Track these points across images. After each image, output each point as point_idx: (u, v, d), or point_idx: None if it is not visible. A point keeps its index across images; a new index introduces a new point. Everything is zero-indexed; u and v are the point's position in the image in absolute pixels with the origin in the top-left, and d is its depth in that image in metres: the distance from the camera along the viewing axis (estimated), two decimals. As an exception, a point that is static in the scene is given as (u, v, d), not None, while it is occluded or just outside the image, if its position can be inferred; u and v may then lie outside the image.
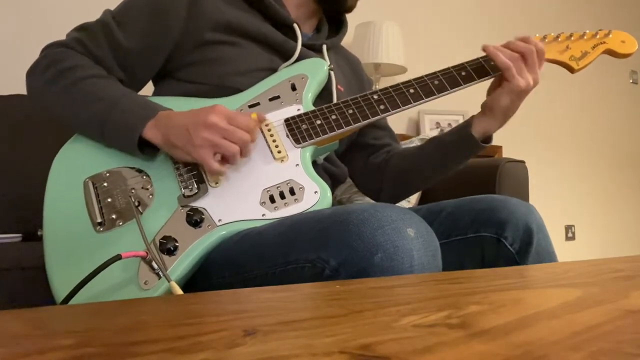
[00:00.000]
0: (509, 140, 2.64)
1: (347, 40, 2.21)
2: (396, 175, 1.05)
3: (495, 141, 2.74)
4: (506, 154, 2.25)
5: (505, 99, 0.90)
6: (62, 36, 0.91)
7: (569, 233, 3.21)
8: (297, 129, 0.85)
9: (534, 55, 0.88)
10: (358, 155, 1.09)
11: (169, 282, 0.69)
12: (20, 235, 1.22)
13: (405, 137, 2.13)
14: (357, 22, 2.22)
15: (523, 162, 1.53)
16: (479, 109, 0.96)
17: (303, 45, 0.94)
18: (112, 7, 0.92)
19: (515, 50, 0.88)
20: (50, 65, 0.85)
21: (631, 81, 3.72)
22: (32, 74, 0.88)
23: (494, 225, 0.86)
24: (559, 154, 3.19)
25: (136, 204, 0.78)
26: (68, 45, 0.88)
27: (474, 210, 0.88)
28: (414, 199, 1.64)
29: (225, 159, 0.78)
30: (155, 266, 0.72)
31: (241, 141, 0.77)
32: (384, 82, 2.22)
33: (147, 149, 0.81)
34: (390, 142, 1.11)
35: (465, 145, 0.96)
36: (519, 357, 0.23)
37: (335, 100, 0.95)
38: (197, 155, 0.77)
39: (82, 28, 0.89)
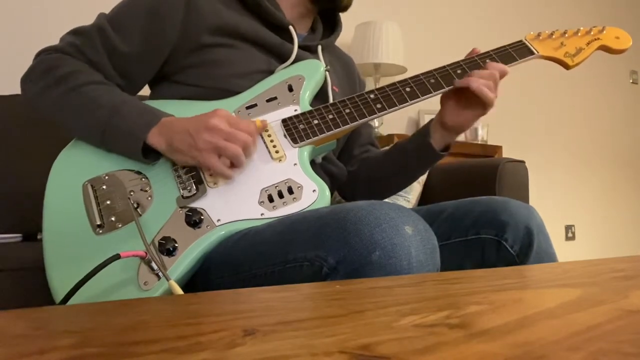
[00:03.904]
0: (509, 140, 2.64)
1: (347, 41, 2.21)
2: (366, 184, 1.07)
3: (495, 141, 2.74)
4: (506, 154, 2.25)
5: (473, 121, 0.94)
6: (60, 37, 0.91)
7: (569, 233, 3.21)
8: (294, 129, 0.85)
9: (498, 80, 0.90)
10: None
11: (168, 281, 0.69)
12: (20, 235, 1.22)
13: (405, 137, 2.13)
14: (357, 22, 2.22)
15: (523, 162, 1.53)
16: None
17: (299, 46, 0.95)
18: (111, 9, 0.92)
19: (492, 78, 0.88)
20: (47, 71, 0.85)
21: (631, 81, 3.72)
22: (28, 80, 0.87)
23: (494, 227, 0.86)
24: (559, 154, 3.20)
25: (135, 206, 0.78)
26: (64, 51, 0.87)
27: (475, 212, 0.88)
28: (414, 199, 1.64)
29: (232, 164, 0.79)
30: (155, 267, 0.72)
31: (242, 143, 0.78)
32: (384, 82, 2.20)
33: (150, 154, 0.81)
34: (367, 149, 1.12)
35: (426, 155, 0.99)
36: (519, 357, 0.23)
37: (331, 100, 0.95)
38: (202, 159, 0.77)
39: (78, 32, 0.89)
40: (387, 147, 1.09)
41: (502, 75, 0.90)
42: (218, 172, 0.78)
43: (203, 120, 0.77)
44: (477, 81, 0.87)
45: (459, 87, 0.90)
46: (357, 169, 1.08)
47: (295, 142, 0.84)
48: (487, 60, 0.91)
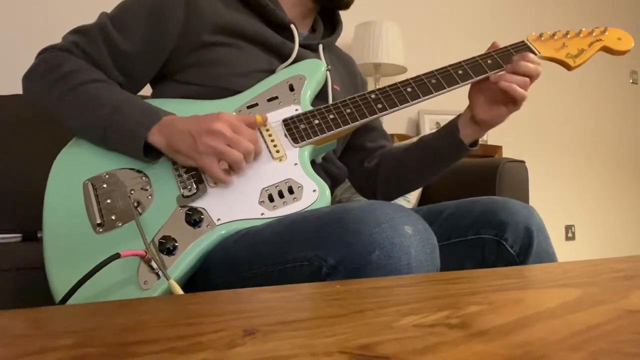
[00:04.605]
0: (509, 140, 2.64)
1: (347, 41, 2.21)
2: (388, 180, 1.07)
3: (495, 141, 2.73)
4: (506, 154, 2.25)
5: (505, 116, 0.93)
6: (62, 36, 0.91)
7: (569, 233, 3.21)
8: (295, 128, 0.85)
9: (534, 76, 0.89)
10: (352, 158, 1.09)
11: (167, 280, 0.69)
12: (20, 235, 1.22)
13: (405, 137, 2.13)
14: (357, 22, 2.22)
15: (523, 162, 1.53)
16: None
17: (300, 45, 0.95)
18: (112, 8, 0.92)
19: (526, 74, 0.88)
20: (49, 69, 0.85)
21: (631, 81, 3.72)
22: (30, 78, 0.87)
23: (494, 227, 0.86)
24: (559, 154, 3.20)
25: (135, 204, 0.78)
26: (66, 49, 0.87)
27: (474, 212, 0.88)
28: (414, 199, 1.64)
29: (230, 168, 0.79)
30: (155, 266, 0.72)
31: (245, 150, 0.77)
32: (384, 82, 2.21)
33: (150, 153, 0.81)
34: (383, 144, 1.12)
35: (455, 151, 0.98)
36: (518, 357, 0.23)
37: (331, 99, 0.95)
38: (201, 163, 0.77)
39: (80, 31, 0.89)
40: (404, 143, 1.09)
41: (536, 72, 0.89)
42: (216, 177, 0.78)
43: (206, 123, 0.77)
44: (510, 78, 0.88)
45: (489, 82, 0.90)
46: (377, 166, 1.08)
47: (296, 141, 0.84)
48: (489, 61, 0.91)
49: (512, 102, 0.90)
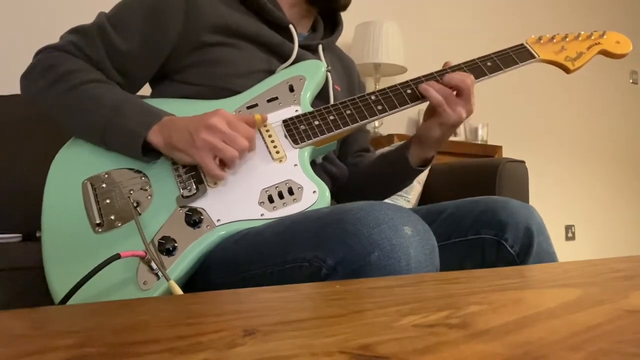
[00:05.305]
0: (509, 140, 2.64)
1: (347, 41, 2.21)
2: (355, 191, 1.06)
3: (495, 141, 2.73)
4: (506, 154, 2.25)
5: (436, 131, 0.91)
6: (60, 36, 0.91)
7: (569, 233, 3.21)
8: (295, 129, 0.85)
9: (469, 90, 0.87)
10: None
11: (167, 281, 0.69)
12: (20, 235, 1.22)
13: (405, 137, 2.13)
14: (357, 22, 2.22)
15: (523, 162, 1.53)
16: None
17: (299, 45, 0.95)
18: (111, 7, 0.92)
19: (450, 85, 0.87)
20: (48, 69, 0.85)
21: (631, 81, 3.72)
22: (28, 77, 0.87)
23: (494, 227, 0.86)
24: (559, 154, 3.20)
25: (135, 204, 0.78)
26: (64, 49, 0.87)
27: (475, 212, 0.88)
28: (414, 199, 1.64)
29: (224, 163, 0.79)
30: (154, 266, 0.72)
31: (240, 147, 0.77)
32: (384, 82, 2.22)
33: (150, 153, 0.81)
34: (360, 155, 1.12)
35: (404, 170, 0.99)
36: (518, 357, 0.23)
37: (332, 100, 0.95)
38: (198, 158, 0.77)
39: (78, 31, 0.89)
40: (371, 158, 1.09)
41: (461, 82, 0.87)
42: (210, 172, 0.78)
43: (203, 118, 0.77)
44: (432, 83, 0.87)
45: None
46: (349, 176, 1.07)
47: (296, 142, 0.84)
48: (488, 63, 0.91)
49: (436, 112, 0.89)
